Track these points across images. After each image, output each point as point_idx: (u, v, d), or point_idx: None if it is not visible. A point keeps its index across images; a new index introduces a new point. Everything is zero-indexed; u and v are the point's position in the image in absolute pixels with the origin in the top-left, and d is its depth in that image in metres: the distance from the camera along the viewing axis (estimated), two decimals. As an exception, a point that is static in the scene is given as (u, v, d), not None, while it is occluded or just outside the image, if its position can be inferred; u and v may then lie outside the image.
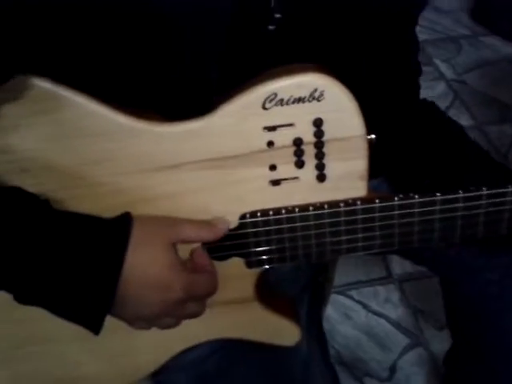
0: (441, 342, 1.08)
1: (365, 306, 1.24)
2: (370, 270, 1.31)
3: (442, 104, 1.69)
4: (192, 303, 0.49)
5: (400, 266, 1.31)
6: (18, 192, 0.46)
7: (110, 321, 0.46)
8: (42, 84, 0.45)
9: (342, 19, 0.50)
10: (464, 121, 1.66)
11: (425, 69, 1.99)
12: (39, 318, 0.51)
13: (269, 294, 0.57)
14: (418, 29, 1.80)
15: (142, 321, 0.49)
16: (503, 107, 1.71)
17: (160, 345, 0.56)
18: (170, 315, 0.49)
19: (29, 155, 0.47)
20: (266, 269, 0.53)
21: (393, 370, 1.14)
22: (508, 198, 0.45)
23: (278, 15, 0.47)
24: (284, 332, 0.57)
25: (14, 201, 0.45)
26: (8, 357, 0.56)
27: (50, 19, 0.42)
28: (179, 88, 0.47)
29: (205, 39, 0.45)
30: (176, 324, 0.51)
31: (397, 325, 1.21)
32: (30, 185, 0.47)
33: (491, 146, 1.59)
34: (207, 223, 0.49)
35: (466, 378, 0.98)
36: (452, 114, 1.66)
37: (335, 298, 1.23)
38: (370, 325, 1.21)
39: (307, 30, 0.49)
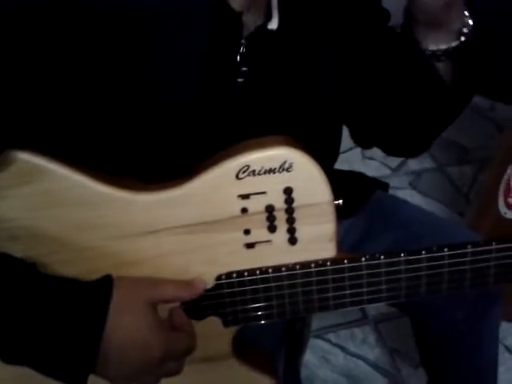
0: (417, 380, 1.11)
1: (342, 349, 1.26)
2: (346, 312, 1.33)
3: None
4: (171, 362, 0.51)
5: (375, 307, 1.34)
6: (5, 258, 0.47)
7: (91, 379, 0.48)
8: (25, 157, 0.47)
9: (296, 68, 0.55)
10: (426, 163, 1.74)
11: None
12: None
13: (245, 349, 0.59)
14: None
15: (122, 379, 0.50)
16: (462, 149, 1.80)
17: None
18: (149, 373, 0.51)
19: (17, 224, 0.49)
20: (242, 327, 0.55)
21: (373, 411, 1.16)
22: (468, 258, 0.48)
23: (244, 68, 0.51)
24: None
25: (3, 266, 0.47)
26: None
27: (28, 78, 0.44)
28: (160, 147, 0.49)
29: (179, 94, 0.48)
30: (155, 382, 0.52)
31: (374, 365, 1.23)
32: (19, 251, 0.49)
33: (453, 187, 1.66)
34: (185, 283, 0.52)
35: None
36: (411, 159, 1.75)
37: (313, 342, 1.24)
38: (348, 367, 1.22)
39: (272, 81, 0.53)
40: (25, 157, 0.47)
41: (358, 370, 1.22)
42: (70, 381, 0.47)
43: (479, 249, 0.48)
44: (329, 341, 1.27)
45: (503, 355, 1.25)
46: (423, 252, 0.49)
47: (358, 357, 1.25)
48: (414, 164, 1.72)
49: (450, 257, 0.48)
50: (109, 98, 0.45)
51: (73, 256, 0.51)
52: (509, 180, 1.19)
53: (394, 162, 1.71)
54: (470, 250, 0.48)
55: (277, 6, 0.50)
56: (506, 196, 1.21)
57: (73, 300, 0.47)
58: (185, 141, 0.50)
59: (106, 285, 0.48)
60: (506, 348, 1.27)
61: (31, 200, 0.49)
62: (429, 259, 0.49)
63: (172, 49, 0.45)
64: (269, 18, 0.50)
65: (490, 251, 0.48)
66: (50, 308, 0.46)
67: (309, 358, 1.21)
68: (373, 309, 1.34)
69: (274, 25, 0.50)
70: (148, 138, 0.48)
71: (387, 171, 1.68)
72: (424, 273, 0.49)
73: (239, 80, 0.52)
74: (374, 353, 1.26)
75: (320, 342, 1.26)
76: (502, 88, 1.89)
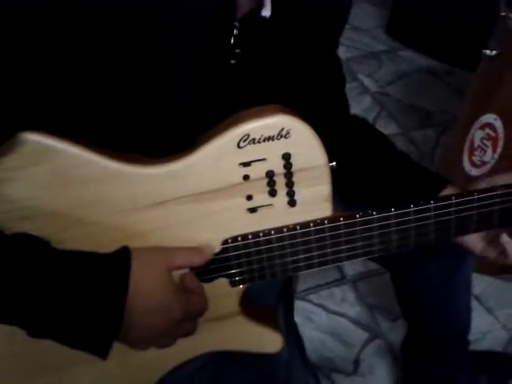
0: (396, 332, 1.19)
1: (324, 308, 1.33)
2: (325, 273, 1.40)
3: (370, 115, 1.83)
4: (188, 322, 0.55)
5: (352, 267, 1.41)
6: (24, 237, 0.49)
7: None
8: (34, 138, 0.49)
9: (287, 54, 0.58)
10: (391, 129, 1.81)
11: (350, 84, 2.15)
12: (49, 349, 0.55)
13: (250, 307, 0.63)
14: (341, 48, 1.97)
15: (143, 343, 0.54)
16: (425, 113, 1.88)
17: (156, 362, 0.61)
18: (168, 335, 0.55)
19: (27, 203, 0.51)
20: (248, 286, 0.60)
21: (356, 363, 1.23)
22: (452, 209, 0.54)
23: (238, 50, 0.54)
24: (268, 340, 0.64)
25: (22, 246, 0.49)
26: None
27: (37, 67, 0.45)
28: (164, 125, 0.52)
29: (181, 79, 0.50)
30: (172, 343, 0.56)
31: (355, 321, 1.31)
32: (31, 229, 0.51)
33: (417, 150, 1.74)
34: (195, 250, 0.55)
35: (421, 361, 1.09)
36: (380, 123, 1.82)
37: (296, 304, 1.30)
38: (331, 325, 1.29)
39: (263, 61, 0.56)
40: (34, 138, 0.49)
41: (340, 326, 1.30)
42: (94, 350, 0.50)
43: (462, 199, 0.53)
44: (311, 301, 1.34)
45: (472, 303, 1.35)
46: (411, 206, 0.54)
47: (340, 314, 1.32)
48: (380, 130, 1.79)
49: (436, 208, 0.54)
50: (115, 75, 0.47)
51: (84, 231, 0.53)
52: (472, 140, 1.26)
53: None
54: (454, 201, 0.53)
55: None
56: (470, 155, 1.29)
57: (94, 272, 0.49)
58: (186, 116, 0.53)
59: (124, 256, 0.51)
60: (475, 297, 1.38)
61: (41, 179, 0.51)
62: (416, 212, 0.54)
63: (174, 31, 0.47)
64: (261, 4, 0.53)
65: (471, 201, 0.53)
66: (73, 282, 0.49)
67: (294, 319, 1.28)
68: (350, 269, 1.41)
69: (266, 12, 0.53)
70: (153, 114, 0.51)
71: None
72: (413, 225, 0.55)
73: (232, 61, 0.54)
74: (354, 310, 1.33)
75: (303, 303, 1.32)
76: (459, 53, 1.97)
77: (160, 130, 0.52)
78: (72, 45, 0.45)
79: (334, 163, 0.53)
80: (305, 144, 0.52)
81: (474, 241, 0.61)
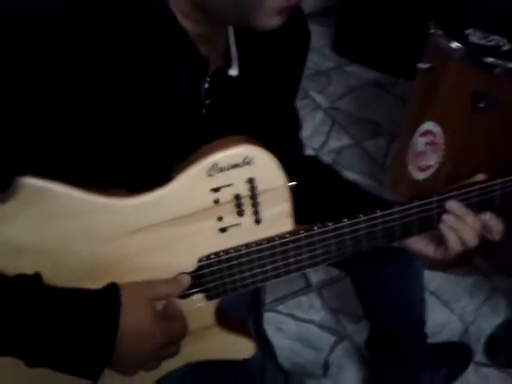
0: (361, 333, 1.27)
1: (293, 317, 1.40)
2: (292, 283, 1.47)
3: (323, 129, 1.93)
4: (171, 346, 0.61)
5: (316, 275, 1.49)
6: (20, 277, 0.54)
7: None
8: (28, 181, 0.53)
9: (250, 105, 0.65)
10: (344, 141, 1.92)
11: (303, 101, 2.26)
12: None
13: (224, 319, 0.69)
14: None
15: (131, 368, 0.60)
16: (374, 124, 2.00)
17: (143, 374, 0.66)
18: (154, 359, 0.60)
19: (20, 242, 0.55)
20: (222, 299, 0.66)
21: (326, 366, 1.31)
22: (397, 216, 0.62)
23: (208, 101, 0.60)
24: (242, 348, 0.70)
25: (19, 285, 0.53)
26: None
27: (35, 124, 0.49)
28: (145, 165, 0.57)
29: (159, 125, 0.56)
30: (158, 366, 0.62)
31: (322, 326, 1.38)
32: (24, 265, 0.55)
33: (370, 158, 1.85)
34: (174, 281, 0.61)
35: (385, 356, 1.18)
36: (333, 136, 1.92)
37: (266, 316, 1.36)
38: (300, 332, 1.36)
39: (229, 110, 0.63)
40: (29, 181, 0.53)
41: (308, 332, 1.37)
42: (87, 377, 0.55)
43: (405, 207, 0.62)
44: (280, 312, 1.40)
45: (429, 298, 1.46)
46: (361, 216, 0.62)
47: (307, 321, 1.39)
48: (333, 143, 1.89)
49: (383, 216, 0.62)
50: (104, 124, 0.52)
51: (71, 263, 0.58)
52: (416, 146, 1.38)
53: (317, 142, 1.87)
54: (397, 208, 0.62)
55: (236, 56, 0.60)
56: (415, 160, 1.40)
57: (88, 309, 0.55)
58: (164, 157, 0.58)
59: (114, 293, 0.56)
60: (431, 293, 1.48)
61: (33, 219, 0.55)
62: (366, 220, 0.62)
63: (155, 84, 0.53)
64: (228, 64, 0.60)
65: (412, 208, 0.62)
66: (68, 318, 0.54)
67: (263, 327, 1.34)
68: (315, 277, 1.49)
69: (234, 72, 0.60)
70: (136, 156, 0.56)
71: (311, 152, 1.84)
72: (363, 232, 0.63)
73: (203, 110, 0.61)
74: (320, 315, 1.41)
75: (272, 314, 1.39)
76: (401, 65, 2.10)
77: (141, 169, 0.57)
78: (68, 102, 0.49)
79: (294, 183, 0.60)
80: (266, 169, 0.59)
81: (417, 242, 0.69)
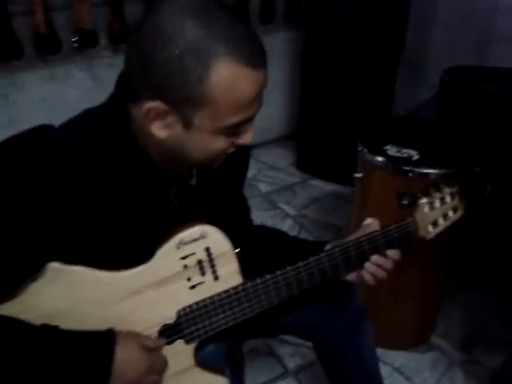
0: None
1: (273, 399, 1.54)
2: (271, 369, 1.62)
3: (292, 233, 2.18)
4: (154, 375, 0.82)
5: (292, 360, 1.65)
6: (45, 325, 0.76)
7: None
8: (53, 265, 0.76)
9: (207, 202, 0.92)
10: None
11: (273, 212, 2.59)
12: None
13: (203, 364, 0.89)
14: (263, 184, 2.49)
15: None
16: (336, 228, 2.29)
17: None
18: (142, 381, 0.80)
19: (46, 308, 0.77)
20: (199, 342, 0.87)
21: None
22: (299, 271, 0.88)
23: (176, 201, 0.88)
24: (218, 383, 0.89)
25: (42, 327, 0.76)
26: None
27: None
28: (136, 250, 0.82)
29: (144, 225, 0.82)
30: None
31: (301, 407, 1.52)
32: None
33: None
34: (154, 339, 0.84)
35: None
36: (301, 239, 2.18)
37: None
38: (280, 412, 1.49)
39: (191, 207, 0.90)
40: (54, 265, 0.77)
41: (288, 413, 1.50)
42: None
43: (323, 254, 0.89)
44: (261, 395, 1.54)
45: (394, 374, 1.61)
46: (288, 267, 0.87)
47: (287, 402, 1.53)
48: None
49: (305, 265, 0.88)
50: (111, 228, 0.78)
51: (80, 324, 0.79)
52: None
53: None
54: (312, 259, 0.88)
55: (195, 173, 0.88)
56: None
57: (91, 346, 0.77)
58: (147, 243, 0.83)
59: (110, 334, 0.79)
60: (396, 369, 1.64)
61: (53, 292, 0.77)
62: (293, 269, 0.87)
63: (143, 199, 0.82)
64: (190, 177, 0.88)
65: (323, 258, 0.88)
66: (77, 352, 0.76)
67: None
68: (291, 362, 1.65)
69: (193, 182, 0.89)
70: (127, 245, 0.81)
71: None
72: (293, 278, 0.88)
73: (172, 208, 0.87)
74: (298, 396, 1.55)
75: (254, 399, 1.52)
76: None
77: (134, 253, 0.82)
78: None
79: (238, 249, 0.86)
80: (217, 239, 0.85)
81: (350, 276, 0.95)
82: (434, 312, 1.76)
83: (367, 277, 0.94)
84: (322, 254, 0.90)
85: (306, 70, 2.55)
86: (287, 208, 2.41)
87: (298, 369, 1.63)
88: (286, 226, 2.26)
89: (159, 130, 0.74)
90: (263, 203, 2.42)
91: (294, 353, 1.68)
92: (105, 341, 0.78)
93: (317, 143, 2.62)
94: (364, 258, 0.93)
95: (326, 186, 2.59)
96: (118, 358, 0.77)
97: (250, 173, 1.07)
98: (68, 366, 0.75)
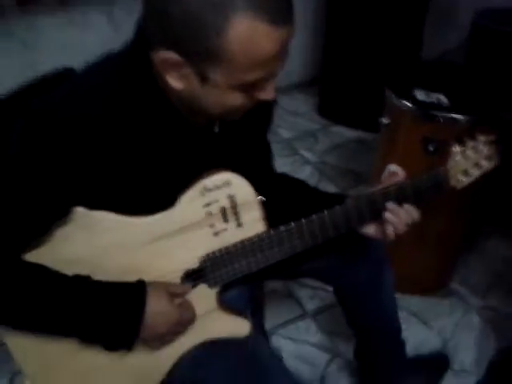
0: (351, 350, 1.45)
1: (292, 339, 1.59)
2: (290, 311, 1.68)
3: (312, 181, 2.21)
4: (182, 326, 0.86)
5: (311, 302, 1.70)
6: (78, 275, 0.79)
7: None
8: (79, 210, 0.77)
9: (231, 148, 0.92)
10: (331, 189, 2.17)
11: (293, 158, 2.59)
12: (86, 359, 0.84)
13: (225, 307, 0.92)
14: (284, 130, 2.47)
15: (155, 339, 0.84)
16: (356, 175, 2.27)
17: (157, 362, 0.89)
18: (171, 333, 0.85)
19: (72, 254, 0.80)
20: (221, 286, 0.89)
21: (323, 380, 1.49)
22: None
23: (198, 148, 0.87)
24: (240, 326, 0.92)
25: (76, 278, 0.78)
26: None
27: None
28: (160, 195, 0.82)
29: (167, 171, 0.82)
30: (173, 340, 0.87)
31: (318, 346, 1.57)
32: (75, 271, 0.79)
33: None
34: (181, 285, 0.86)
35: (368, 362, 1.36)
36: (321, 186, 2.20)
37: (268, 339, 1.57)
38: (298, 352, 1.55)
39: (215, 153, 0.90)
40: (80, 210, 0.78)
41: (305, 352, 1.55)
42: (124, 347, 0.81)
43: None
44: (281, 335, 1.60)
45: (410, 319, 1.65)
46: (313, 215, 0.88)
47: (304, 342, 1.58)
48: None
49: (329, 214, 0.89)
50: (136, 173, 0.78)
51: (107, 270, 0.81)
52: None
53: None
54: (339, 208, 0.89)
55: (218, 120, 0.87)
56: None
57: (122, 295, 0.80)
58: (170, 188, 0.83)
59: (142, 285, 0.82)
60: (413, 314, 1.67)
61: (79, 237, 0.79)
62: (318, 218, 0.88)
63: (168, 145, 0.81)
64: (213, 123, 0.87)
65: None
66: (112, 303, 0.79)
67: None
68: (310, 304, 1.70)
69: (216, 129, 0.87)
70: (154, 191, 0.81)
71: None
72: (317, 227, 0.89)
73: (195, 154, 0.85)
74: (316, 337, 1.60)
75: (274, 337, 1.58)
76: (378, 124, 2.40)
77: (157, 199, 0.82)
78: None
79: (260, 197, 0.86)
80: (241, 187, 0.85)
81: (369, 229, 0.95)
82: (454, 258, 1.77)
83: (389, 230, 0.93)
84: (349, 203, 0.90)
85: (332, 11, 2.45)
86: (308, 154, 2.39)
87: (317, 311, 1.68)
88: (306, 173, 2.26)
89: (174, 81, 0.72)
90: (283, 150, 2.40)
91: (313, 295, 1.72)
92: (136, 292, 0.81)
93: (340, 88, 2.56)
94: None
95: (348, 133, 2.55)
96: (149, 310, 0.80)
97: (271, 119, 1.06)
98: (98, 317, 0.78)
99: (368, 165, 2.26)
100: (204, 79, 0.71)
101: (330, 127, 2.61)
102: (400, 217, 0.92)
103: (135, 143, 0.76)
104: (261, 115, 0.97)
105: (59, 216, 0.77)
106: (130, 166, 0.77)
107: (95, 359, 0.85)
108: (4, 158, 0.74)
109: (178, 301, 0.86)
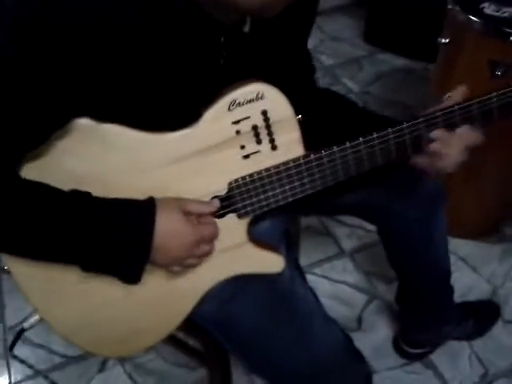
0: (392, 293, 1.35)
1: (327, 278, 1.50)
2: (326, 249, 1.58)
3: (355, 112, 2.04)
4: (204, 245, 0.74)
5: (349, 241, 1.59)
6: (76, 191, 0.67)
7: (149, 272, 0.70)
8: (83, 121, 0.67)
9: (264, 54, 0.77)
10: (375, 122, 2.01)
11: (335, 87, 2.40)
12: (98, 290, 0.75)
13: (257, 240, 0.81)
14: (325, 56, 2.25)
15: (172, 263, 0.73)
16: (404, 107, 2.08)
17: (186, 291, 0.79)
18: (190, 255, 0.73)
19: (77, 173, 0.69)
20: (252, 217, 0.78)
21: (359, 321, 1.40)
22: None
23: (225, 52, 0.73)
24: (273, 262, 0.81)
25: (74, 195, 0.67)
26: (87, 322, 0.78)
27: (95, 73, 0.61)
28: (178, 108, 0.70)
29: (187, 78, 0.69)
30: (197, 263, 0.75)
31: (355, 287, 1.48)
32: (82, 188, 0.68)
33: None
34: (205, 202, 0.74)
35: (413, 307, 1.25)
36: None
37: (302, 278, 1.48)
38: (334, 292, 1.47)
39: (244, 60, 0.75)
40: (83, 121, 0.67)
41: (342, 292, 1.47)
42: (132, 272, 0.70)
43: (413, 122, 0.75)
44: (315, 274, 1.51)
45: (458, 263, 1.52)
46: (360, 138, 0.73)
47: (341, 282, 1.49)
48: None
49: (378, 137, 0.73)
50: (145, 79, 0.65)
51: (121, 190, 0.70)
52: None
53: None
54: (390, 130, 0.74)
55: (250, 18, 0.71)
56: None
57: (132, 214, 0.68)
58: (193, 99, 0.70)
59: (151, 203, 0.70)
60: (461, 258, 1.54)
61: (88, 152, 0.68)
62: (365, 142, 0.73)
63: (180, 46, 0.65)
64: (244, 22, 0.72)
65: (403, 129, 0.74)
66: (113, 220, 0.67)
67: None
68: (347, 243, 1.59)
69: (246, 28, 0.72)
70: (169, 101, 0.68)
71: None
72: (364, 152, 0.74)
73: (221, 60, 0.73)
74: (353, 277, 1.50)
75: (308, 276, 1.47)
76: (432, 51, 2.17)
77: (174, 111, 0.70)
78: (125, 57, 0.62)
79: (300, 116, 0.72)
80: (276, 102, 0.71)
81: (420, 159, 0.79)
82: (510, 201, 1.60)
83: (439, 162, 0.77)
84: (404, 125, 0.75)
85: None
86: (351, 83, 2.20)
87: (354, 250, 1.57)
88: (349, 104, 2.08)
89: None
90: (324, 77, 2.21)
91: (350, 234, 1.61)
92: (145, 210, 0.69)
93: (390, 11, 2.30)
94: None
95: (396, 61, 2.32)
96: (159, 230, 0.69)
97: (311, 43, 0.89)
98: (100, 239, 0.67)
99: (417, 97, 2.08)
100: None
101: (375, 54, 2.38)
102: (451, 145, 0.76)
103: (149, 43, 0.63)
104: (301, 15, 0.81)
105: (58, 121, 0.65)
106: (144, 72, 0.64)
107: (108, 289, 0.76)
108: None
109: (194, 218, 0.73)
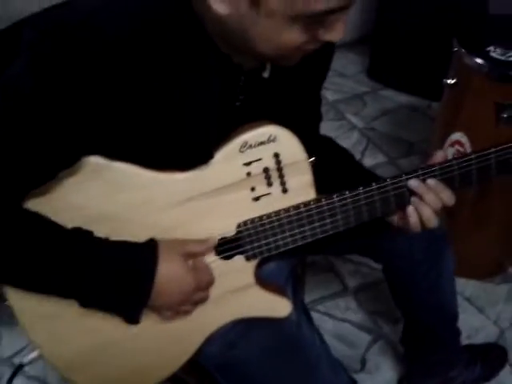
0: (397, 333, 1.32)
1: (331, 316, 1.47)
2: (330, 286, 1.55)
3: (359, 148, 2.03)
4: (200, 292, 0.73)
5: (353, 279, 1.57)
6: (77, 229, 0.66)
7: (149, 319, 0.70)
8: (92, 160, 0.66)
9: (279, 99, 0.77)
10: (379, 159, 2.01)
11: (340, 123, 2.39)
12: (101, 328, 0.73)
13: (263, 282, 0.80)
14: (329, 92, 2.27)
15: (167, 308, 0.72)
16: (408, 144, 2.08)
17: (190, 333, 0.78)
18: (186, 302, 0.72)
19: (86, 212, 0.68)
20: (260, 259, 0.77)
21: (363, 362, 1.37)
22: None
23: (242, 96, 0.74)
24: (279, 306, 0.80)
25: (76, 234, 0.66)
26: (87, 360, 0.76)
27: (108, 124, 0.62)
28: (191, 149, 0.70)
29: (202, 115, 0.69)
30: (191, 310, 0.74)
31: (360, 326, 1.45)
32: (89, 228, 0.68)
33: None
34: (201, 241, 0.73)
35: (418, 348, 1.23)
36: (368, 154, 2.02)
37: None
38: (337, 331, 1.43)
39: (259, 103, 0.76)
40: (93, 160, 0.66)
41: (346, 331, 1.44)
42: (130, 314, 0.69)
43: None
44: (318, 311, 1.48)
45: (464, 304, 1.50)
46: (373, 184, 0.73)
47: (344, 321, 1.46)
48: (368, 160, 1.99)
49: (393, 183, 0.73)
50: (158, 119, 0.65)
51: (129, 231, 0.69)
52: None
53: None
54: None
55: (270, 64, 0.72)
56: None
57: (133, 258, 0.67)
58: (207, 141, 0.70)
59: (153, 246, 0.69)
60: (466, 299, 1.52)
61: (97, 191, 0.68)
62: (378, 188, 0.73)
63: (197, 89, 0.66)
64: (263, 67, 0.72)
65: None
66: (113, 263, 0.66)
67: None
68: (352, 281, 1.57)
69: (266, 74, 0.73)
70: (182, 141, 0.68)
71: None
72: (377, 197, 0.74)
73: (237, 103, 0.73)
74: (357, 316, 1.48)
75: (311, 313, 1.46)
76: (435, 89, 2.20)
77: (187, 151, 0.70)
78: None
79: (313, 158, 0.72)
80: (289, 145, 0.71)
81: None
82: (515, 242, 1.59)
83: (412, 218, 0.75)
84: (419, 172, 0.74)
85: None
86: (355, 119, 2.21)
87: (358, 288, 1.55)
88: (353, 139, 2.08)
89: (219, 3, 0.58)
90: (329, 112, 2.23)
91: (354, 271, 1.59)
92: (145, 253, 0.68)
93: (394, 48, 2.33)
94: (452, 187, 0.75)
95: (400, 97, 2.34)
96: (160, 274, 0.68)
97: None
98: (100, 278, 0.66)
99: (421, 134, 2.09)
100: (256, 3, 0.56)
101: (379, 90, 2.40)
102: (427, 200, 0.74)
103: (165, 82, 0.63)
104: (318, 65, 0.82)
105: (68, 159, 0.64)
106: (157, 110, 0.64)
107: (111, 328, 0.74)
108: (5, 78, 0.60)
109: (191, 263, 0.72)
